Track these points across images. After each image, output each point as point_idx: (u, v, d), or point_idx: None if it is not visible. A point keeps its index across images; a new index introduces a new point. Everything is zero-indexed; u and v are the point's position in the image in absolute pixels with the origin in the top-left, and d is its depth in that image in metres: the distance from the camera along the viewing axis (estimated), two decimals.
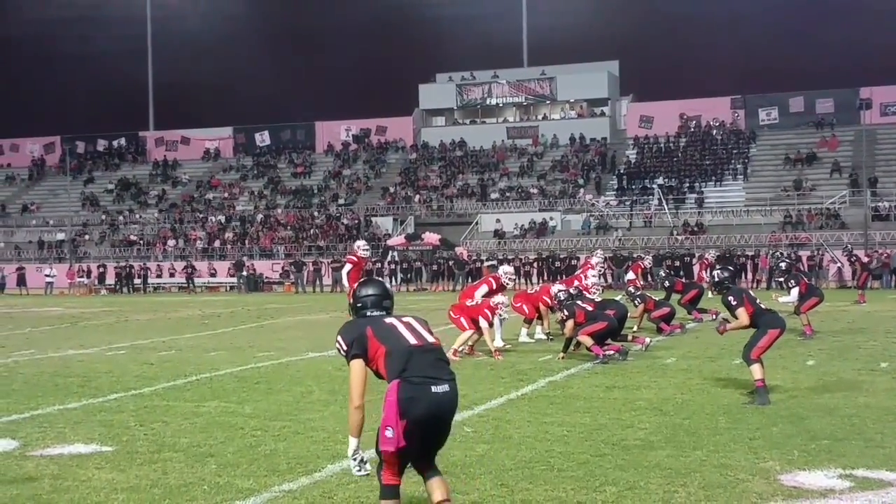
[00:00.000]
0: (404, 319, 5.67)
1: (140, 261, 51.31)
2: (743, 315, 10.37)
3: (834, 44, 69.41)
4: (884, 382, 11.38)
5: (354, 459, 5.48)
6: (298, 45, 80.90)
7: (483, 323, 14.48)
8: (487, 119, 65.51)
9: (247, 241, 52.87)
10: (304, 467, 7.39)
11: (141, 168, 67.40)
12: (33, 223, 60.82)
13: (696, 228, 46.67)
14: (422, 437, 5.32)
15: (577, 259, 39.15)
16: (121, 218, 59.57)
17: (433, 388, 5.30)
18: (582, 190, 53.76)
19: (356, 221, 53.41)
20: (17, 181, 68.32)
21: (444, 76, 67.31)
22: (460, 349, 14.56)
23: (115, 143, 69.88)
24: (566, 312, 14.10)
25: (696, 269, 36.75)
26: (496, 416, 9.45)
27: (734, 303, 10.43)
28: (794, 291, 17.49)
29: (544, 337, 17.18)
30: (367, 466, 5.51)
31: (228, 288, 46.75)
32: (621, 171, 55.35)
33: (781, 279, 19.13)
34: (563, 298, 14.72)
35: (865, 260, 34.18)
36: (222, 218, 57.03)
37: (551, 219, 50.37)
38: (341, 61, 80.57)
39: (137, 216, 59.92)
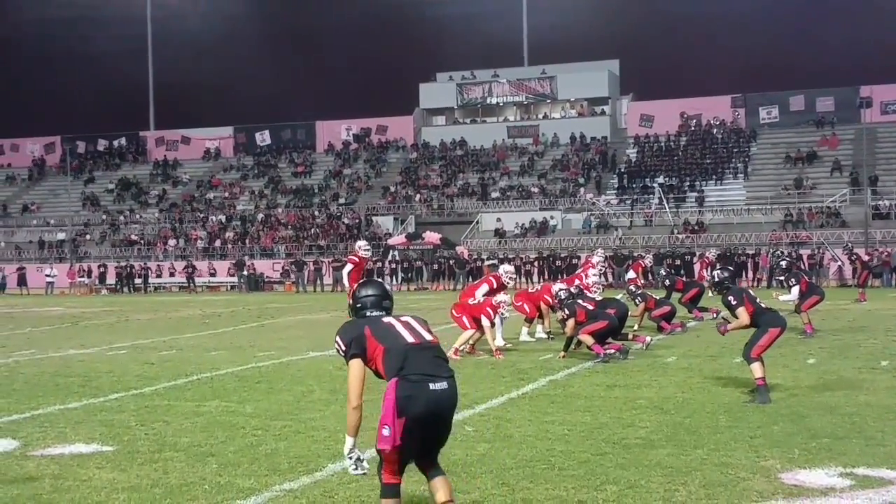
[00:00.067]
0: (403, 319, 5.68)
1: (141, 260, 51.32)
2: (743, 314, 10.36)
3: (834, 42, 69.45)
4: (884, 381, 11.37)
5: (350, 458, 5.52)
6: (298, 44, 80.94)
7: (485, 321, 14.49)
8: (488, 118, 65.51)
9: (247, 241, 52.89)
10: (304, 466, 7.40)
11: (141, 168, 67.42)
12: (34, 223, 60.85)
13: (696, 227, 46.67)
14: (422, 434, 5.33)
15: (578, 258, 39.17)
16: (121, 218, 59.59)
17: (431, 386, 5.31)
18: (582, 189, 53.76)
19: (357, 221, 53.42)
20: (18, 181, 68.35)
21: (445, 75, 67.30)
22: (461, 348, 14.56)
23: (115, 142, 69.91)
24: (567, 311, 14.09)
25: (696, 267, 36.71)
26: (497, 415, 9.44)
27: (734, 302, 10.42)
28: (795, 290, 17.48)
29: (545, 336, 17.19)
30: (365, 465, 5.53)
31: (229, 287, 46.78)
32: (622, 170, 55.35)
33: (782, 278, 19.14)
34: (563, 297, 14.72)
35: (866, 258, 34.16)
36: (223, 217, 57.06)
37: (552, 218, 50.38)
38: (342, 61, 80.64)
39: (138, 216, 59.94)
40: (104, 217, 59.89)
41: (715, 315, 19.11)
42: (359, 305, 5.79)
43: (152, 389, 11.62)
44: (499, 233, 49.52)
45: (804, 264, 36.67)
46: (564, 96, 63.88)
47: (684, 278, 25.20)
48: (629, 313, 16.14)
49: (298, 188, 60.29)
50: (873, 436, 8.24)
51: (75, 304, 35.05)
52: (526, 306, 17.32)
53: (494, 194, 55.09)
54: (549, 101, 64.43)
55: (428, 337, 5.59)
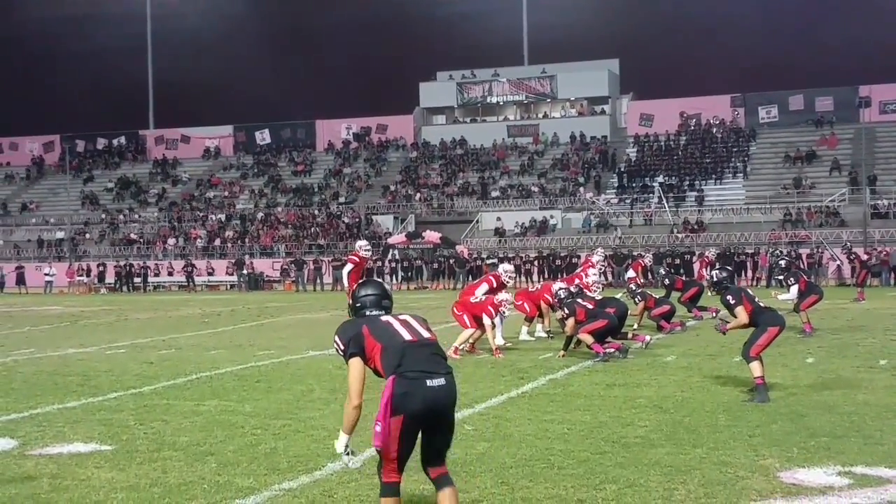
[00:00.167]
0: (401, 317, 5.69)
1: (140, 259, 51.30)
2: (742, 314, 10.37)
3: (833, 42, 69.45)
4: (883, 380, 11.38)
5: (346, 454, 5.60)
6: (298, 43, 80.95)
7: (486, 320, 14.50)
8: (488, 117, 65.50)
9: (247, 240, 52.87)
10: (304, 466, 7.40)
11: (141, 166, 67.39)
12: (33, 222, 60.81)
13: (696, 226, 46.69)
14: (421, 432, 5.33)
15: (578, 257, 39.16)
16: (121, 216, 59.57)
17: (428, 382, 5.32)
18: (582, 188, 53.76)
19: (357, 220, 53.42)
20: (17, 180, 68.31)
21: (445, 74, 67.27)
22: (461, 347, 14.57)
23: (114, 141, 69.85)
24: (567, 310, 14.10)
25: (696, 266, 36.76)
26: (497, 414, 9.45)
27: (733, 302, 10.43)
28: (794, 289, 17.50)
29: (545, 335, 17.19)
30: (357, 460, 5.64)
31: (229, 286, 46.76)
32: (622, 170, 55.36)
33: (781, 277, 19.14)
34: (563, 296, 14.72)
35: (865, 258, 34.10)
36: (222, 216, 57.04)
37: (552, 217, 50.38)
38: (341, 59, 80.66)
39: (137, 215, 59.91)
40: (103, 216, 59.86)
41: (714, 314, 19.12)
42: (358, 305, 5.81)
43: (151, 388, 11.62)
44: (499, 232, 49.52)
45: (803, 263, 36.69)
46: (564, 95, 63.87)
47: (684, 277, 25.23)
48: (629, 312, 16.14)
49: (298, 187, 60.27)
50: (872, 434, 8.25)
51: (74, 303, 35.03)
52: (526, 305, 17.33)
53: (494, 193, 55.10)
54: (549, 100, 64.43)
55: (426, 334, 5.59)
